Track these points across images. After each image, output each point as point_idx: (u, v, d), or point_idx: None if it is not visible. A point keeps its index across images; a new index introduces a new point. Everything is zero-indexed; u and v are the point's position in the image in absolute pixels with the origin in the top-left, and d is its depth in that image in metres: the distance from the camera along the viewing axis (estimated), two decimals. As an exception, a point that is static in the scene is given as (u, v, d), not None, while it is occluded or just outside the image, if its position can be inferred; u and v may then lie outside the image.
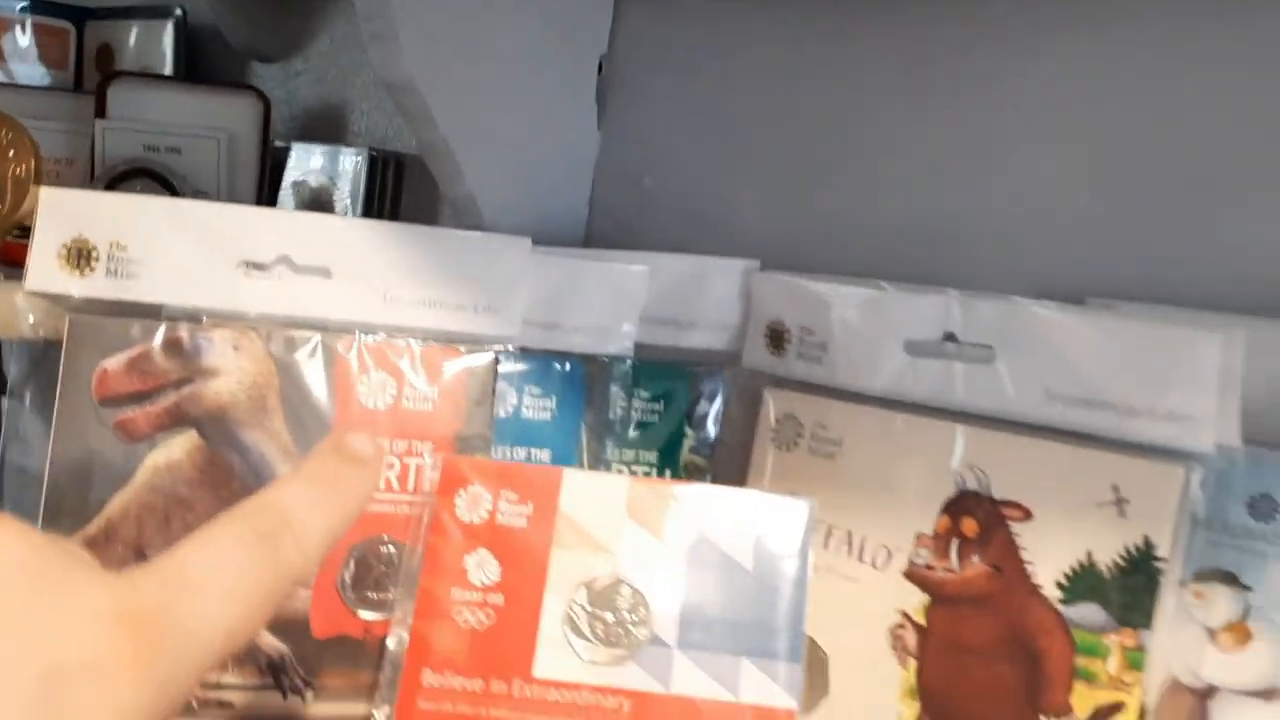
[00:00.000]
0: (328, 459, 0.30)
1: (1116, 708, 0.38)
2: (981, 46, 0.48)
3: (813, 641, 0.46)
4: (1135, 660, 0.38)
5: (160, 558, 0.24)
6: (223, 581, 0.24)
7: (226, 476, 0.46)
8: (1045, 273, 0.45)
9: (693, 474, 0.52)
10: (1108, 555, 0.38)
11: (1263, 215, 0.40)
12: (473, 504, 0.44)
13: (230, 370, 0.46)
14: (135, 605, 0.22)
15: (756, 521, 0.43)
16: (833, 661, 0.45)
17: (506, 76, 0.48)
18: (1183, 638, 0.38)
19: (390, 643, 0.43)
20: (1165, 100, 0.43)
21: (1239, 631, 0.37)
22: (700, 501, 0.43)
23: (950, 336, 0.43)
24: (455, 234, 0.48)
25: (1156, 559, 0.38)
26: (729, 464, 0.50)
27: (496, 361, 0.49)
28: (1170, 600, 0.38)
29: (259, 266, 0.46)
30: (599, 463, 0.51)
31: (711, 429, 0.52)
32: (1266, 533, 0.36)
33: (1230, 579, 0.37)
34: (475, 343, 0.48)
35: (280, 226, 0.46)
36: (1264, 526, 0.37)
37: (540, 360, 0.50)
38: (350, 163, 0.63)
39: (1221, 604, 0.37)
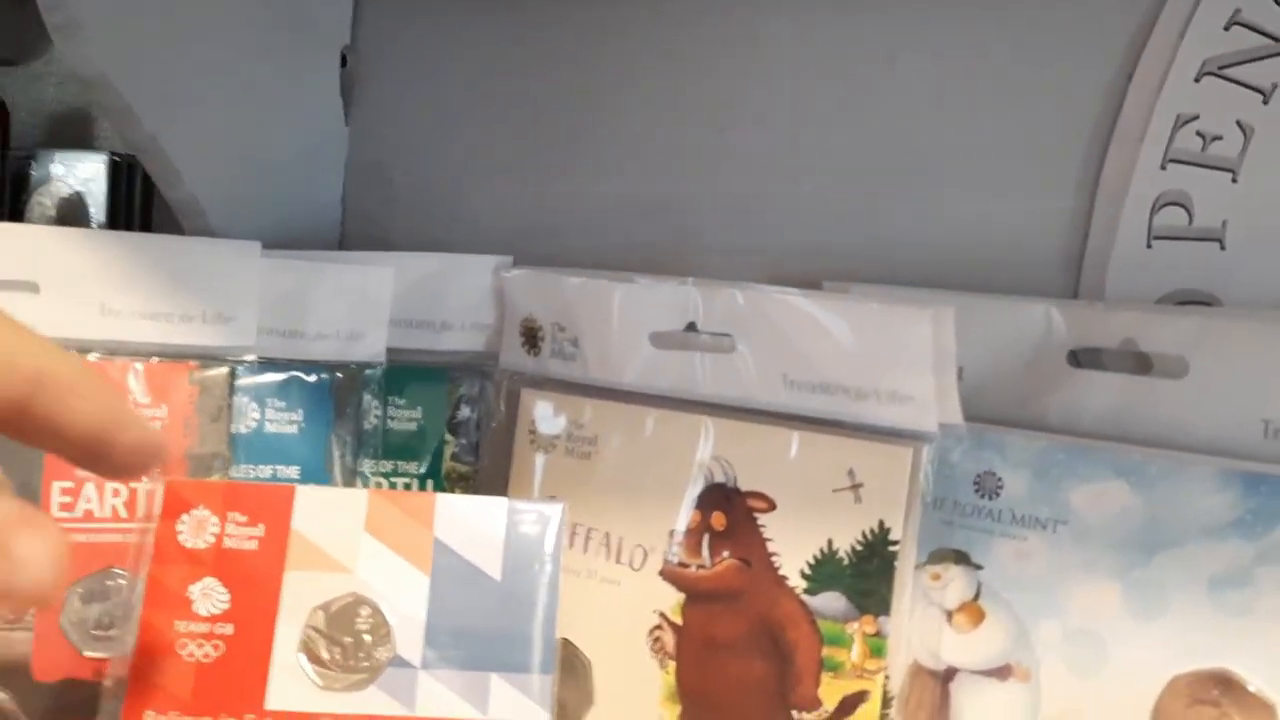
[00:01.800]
0: None
1: (861, 696, 0.38)
2: (711, 33, 0.48)
3: (575, 648, 0.44)
4: (876, 647, 0.37)
5: None
6: None
7: (-77, 515, 0.42)
8: (784, 258, 0.45)
9: (456, 482, 0.50)
10: (846, 541, 0.38)
11: (989, 191, 0.40)
12: (197, 528, 0.41)
13: (-77, 399, 0.42)
14: None
15: (505, 529, 0.41)
16: (596, 668, 0.44)
17: (224, 69, 0.45)
18: (923, 619, 0.37)
19: (108, 683, 0.40)
20: (894, 82, 0.43)
21: (973, 611, 0.37)
22: (444, 511, 0.41)
23: (692, 326, 0.42)
24: (175, 240, 0.45)
25: (891, 543, 0.37)
26: (494, 470, 0.49)
27: (232, 375, 0.46)
28: (908, 584, 0.37)
29: (-47, 284, 0.42)
30: (354, 476, 0.49)
31: (474, 434, 0.50)
32: (992, 510, 0.36)
33: (963, 558, 0.37)
34: (207, 355, 0.45)
35: (-27, 239, 0.43)
36: (989, 504, 0.36)
37: (283, 370, 0.47)
38: (91, 169, 0.59)
39: (956, 584, 0.37)
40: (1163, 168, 0.37)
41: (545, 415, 0.46)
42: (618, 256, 0.48)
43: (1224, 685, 0.32)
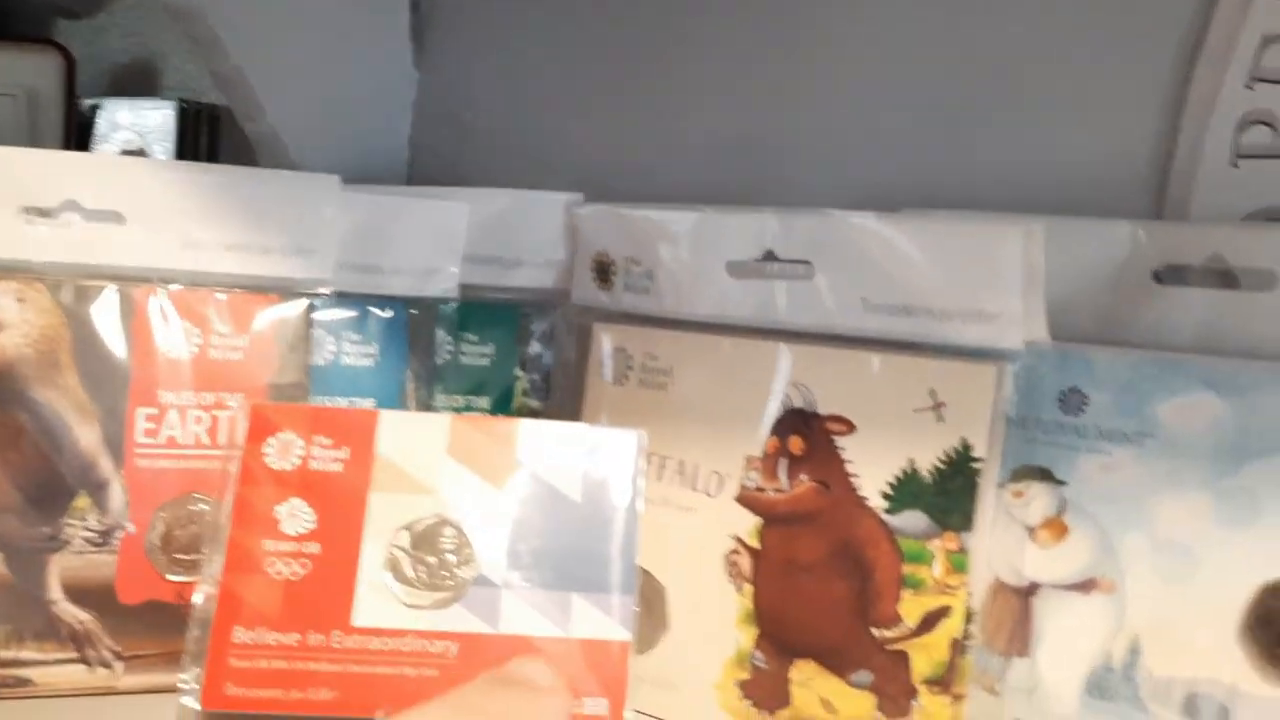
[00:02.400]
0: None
1: (943, 612, 0.38)
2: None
3: (649, 575, 0.45)
4: (959, 563, 0.38)
5: None
6: None
7: (16, 437, 0.43)
8: (865, 189, 0.45)
9: (527, 417, 0.51)
10: (928, 461, 0.38)
11: (1072, 114, 0.40)
12: (283, 451, 0.41)
13: (14, 324, 0.43)
14: None
15: (584, 454, 0.41)
16: (671, 593, 0.44)
17: (305, 7, 0.45)
18: (1004, 537, 0.38)
19: (197, 599, 0.41)
20: (975, 5, 0.43)
21: (1056, 527, 0.37)
22: (525, 436, 0.41)
23: (770, 255, 0.42)
24: (257, 173, 0.45)
25: (974, 460, 0.38)
26: (565, 405, 0.49)
27: (311, 308, 0.46)
28: (990, 501, 0.37)
29: (43, 213, 0.43)
30: (427, 411, 0.49)
31: (545, 370, 0.50)
32: (1077, 426, 0.37)
33: (1046, 475, 0.37)
34: (286, 288, 0.46)
35: (64, 168, 0.43)
36: (1074, 420, 0.37)
37: (360, 305, 0.48)
38: (159, 117, 0.60)
39: (1039, 501, 0.37)
40: (1249, 86, 0.37)
41: (618, 348, 0.47)
42: (692, 193, 0.48)
43: (1316, 590, 0.32)
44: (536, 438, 0.42)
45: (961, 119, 0.43)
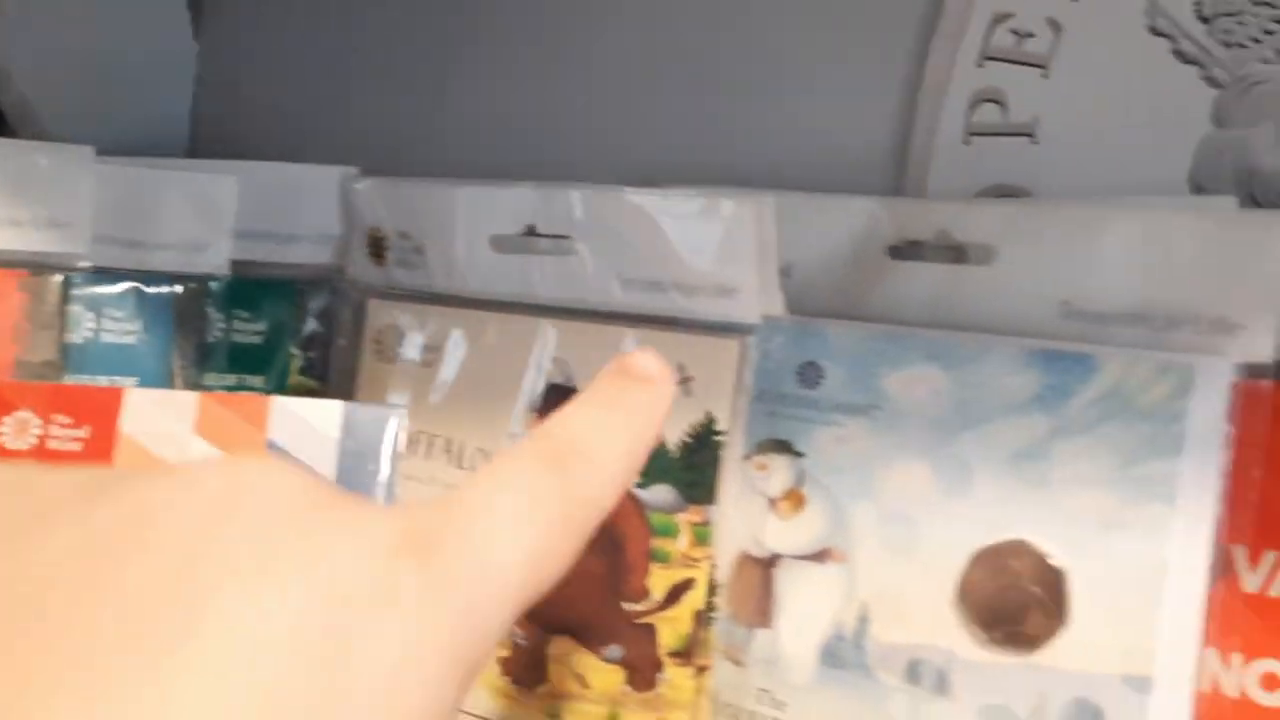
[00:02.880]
0: (615, 379, 0.26)
1: (688, 584, 0.38)
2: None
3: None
4: (703, 535, 0.38)
5: (436, 497, 0.20)
6: (515, 507, 0.20)
7: None
8: (627, 165, 0.45)
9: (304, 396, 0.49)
10: (676, 435, 0.39)
11: (819, 93, 0.41)
12: (19, 430, 0.40)
13: None
14: (417, 531, 0.19)
15: (340, 432, 0.40)
16: (439, 573, 0.44)
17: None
18: (748, 509, 0.38)
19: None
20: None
21: (795, 498, 0.38)
22: (277, 415, 0.40)
23: (531, 230, 0.42)
24: (3, 143, 0.44)
25: (717, 434, 0.38)
26: (342, 383, 0.48)
27: (68, 283, 0.45)
28: (734, 474, 0.38)
29: None
30: (197, 390, 0.48)
31: (322, 348, 0.49)
32: (814, 399, 0.37)
33: (786, 447, 0.38)
34: (39, 262, 0.44)
35: None
36: (811, 393, 0.37)
37: (122, 280, 0.46)
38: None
39: (780, 473, 0.38)
40: (979, 65, 0.38)
41: (390, 324, 0.46)
42: (466, 168, 0.48)
43: (1021, 555, 0.33)
44: (289, 416, 0.41)
45: (720, 96, 0.43)
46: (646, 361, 0.26)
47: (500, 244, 0.43)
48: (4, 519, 0.18)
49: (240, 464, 0.19)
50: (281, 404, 0.41)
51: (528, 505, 0.21)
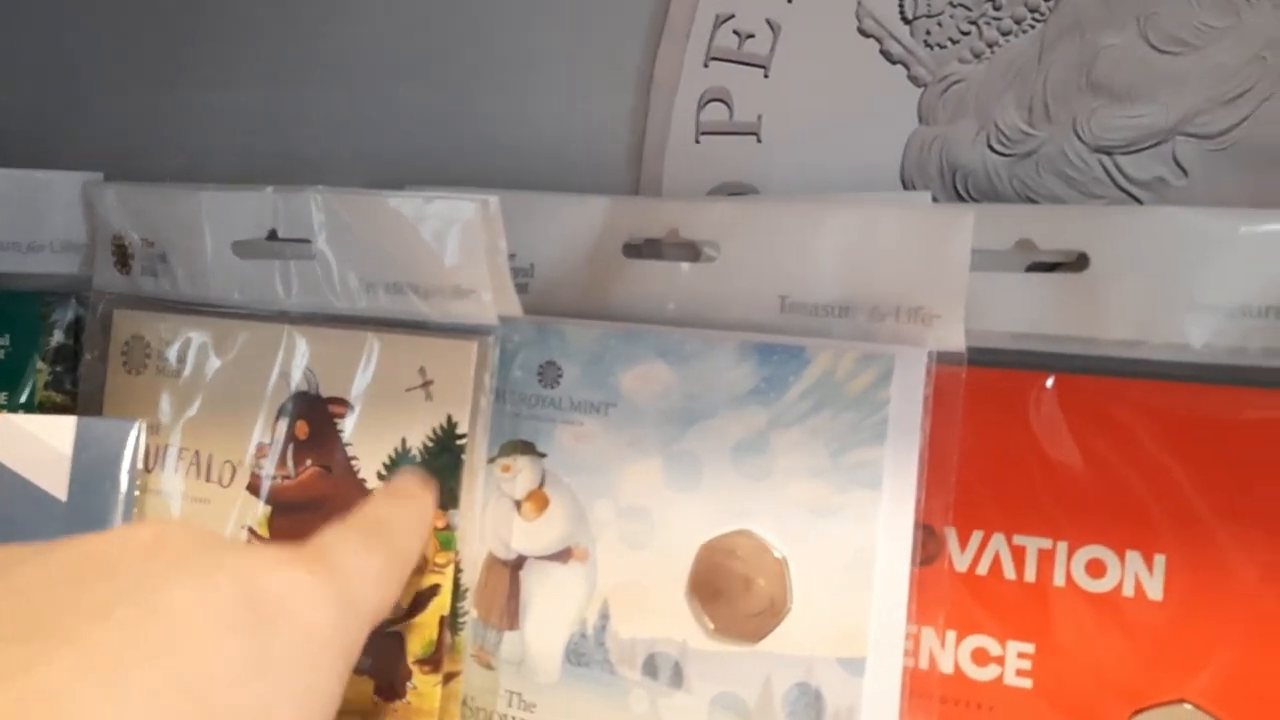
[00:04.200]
0: (390, 494, 0.34)
1: (433, 591, 0.38)
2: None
3: (169, 572, 0.43)
4: (446, 541, 0.38)
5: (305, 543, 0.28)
6: (363, 559, 0.29)
7: None
8: (378, 165, 0.44)
9: (52, 412, 0.47)
10: (418, 439, 0.38)
11: (559, 93, 0.41)
12: None
13: None
14: (298, 552, 0.27)
15: (72, 448, 0.39)
16: (193, 590, 0.42)
17: None
18: (495, 512, 0.38)
19: None
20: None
21: (538, 499, 0.38)
22: (4, 431, 0.38)
23: (273, 234, 0.41)
24: None
25: (459, 437, 0.38)
26: (91, 397, 0.46)
27: None
28: (478, 477, 0.38)
29: None
30: (-69, 409, 0.45)
31: (70, 361, 0.47)
32: (554, 398, 0.37)
33: (529, 448, 0.38)
34: None
35: None
36: (551, 393, 0.37)
37: None
38: None
39: (524, 474, 0.38)
40: (705, 65, 0.39)
41: (136, 335, 0.44)
42: (217, 171, 0.47)
43: (745, 545, 0.34)
44: (17, 433, 0.39)
45: (463, 96, 0.43)
46: (409, 481, 0.34)
47: (243, 249, 0.41)
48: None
49: (165, 523, 0.26)
50: (9, 421, 0.39)
51: (370, 558, 0.29)
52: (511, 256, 0.39)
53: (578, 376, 0.37)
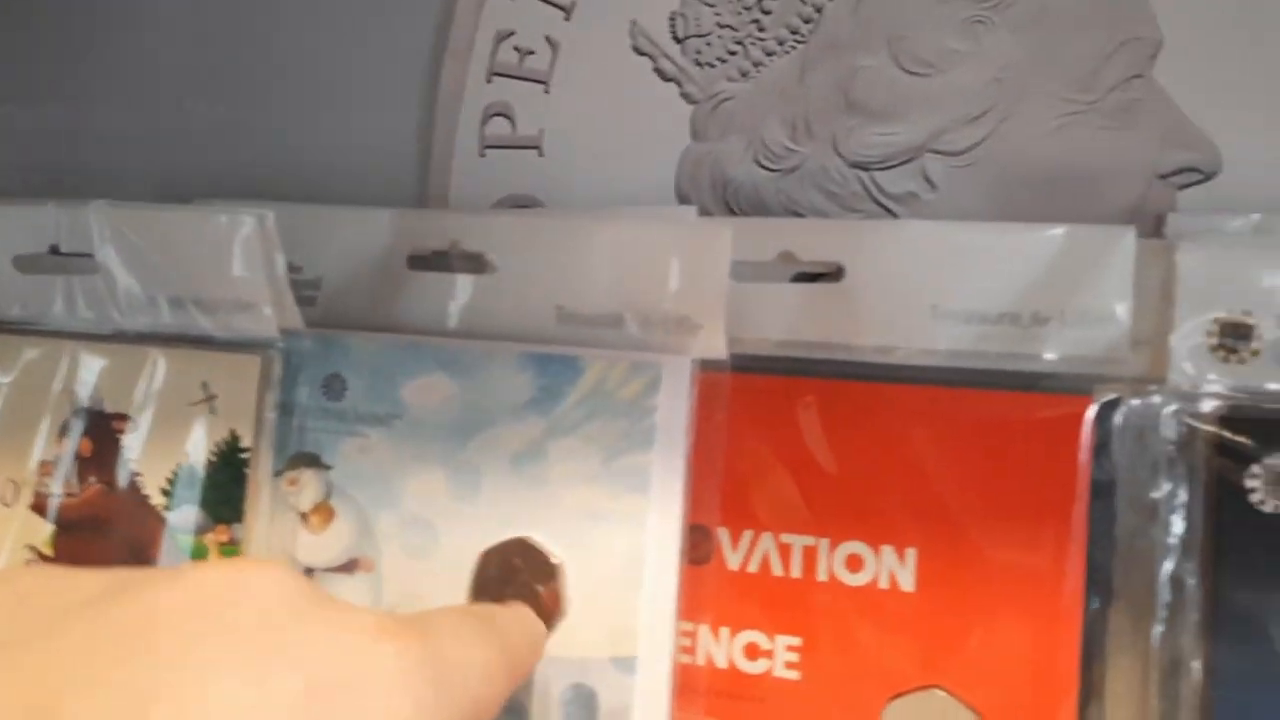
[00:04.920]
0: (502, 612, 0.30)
1: (217, 606, 0.38)
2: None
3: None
4: (230, 554, 0.38)
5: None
6: (467, 639, 0.25)
7: None
8: (165, 181, 0.44)
9: None
10: (201, 455, 0.38)
11: (347, 108, 0.41)
12: None
13: None
14: (396, 626, 0.22)
15: None
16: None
17: None
18: (281, 526, 0.38)
19: None
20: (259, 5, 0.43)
21: (324, 511, 0.38)
22: None
23: (55, 249, 0.40)
24: None
25: (242, 451, 0.38)
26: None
27: None
28: (264, 491, 0.38)
29: None
30: None
31: None
32: (339, 411, 0.37)
33: (315, 461, 0.38)
34: None
35: None
36: (336, 405, 0.37)
37: None
38: None
39: (310, 487, 0.38)
40: (489, 80, 0.39)
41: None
42: (2, 186, 0.45)
43: (523, 553, 0.35)
44: None
45: (255, 110, 0.43)
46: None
47: (24, 264, 0.41)
48: (42, 613, 0.20)
49: (239, 566, 0.22)
50: None
51: (475, 636, 0.25)
52: (298, 270, 0.39)
53: (362, 389, 0.37)
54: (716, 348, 0.33)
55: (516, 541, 0.35)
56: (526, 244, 0.36)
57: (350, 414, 0.37)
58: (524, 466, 0.35)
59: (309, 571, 0.38)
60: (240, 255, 0.36)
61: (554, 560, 0.34)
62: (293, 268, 0.39)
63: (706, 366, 0.34)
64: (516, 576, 0.35)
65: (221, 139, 0.42)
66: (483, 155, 0.39)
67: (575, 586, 0.34)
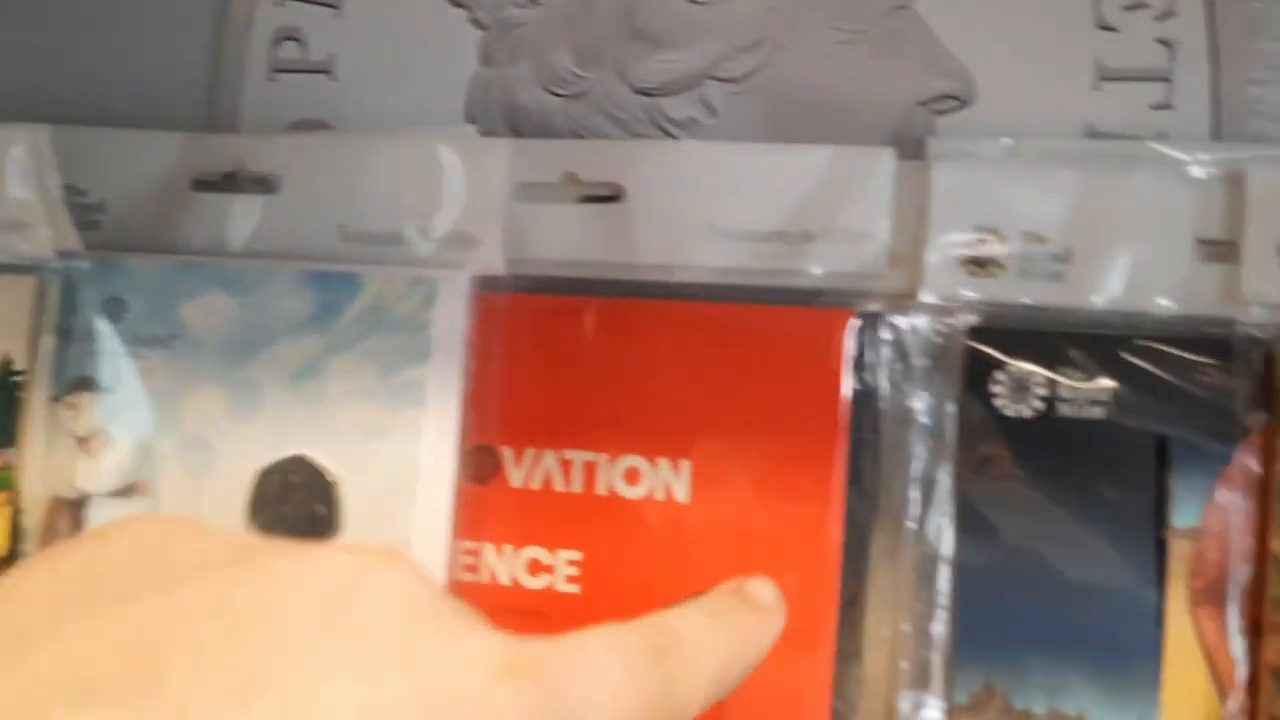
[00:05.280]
0: (728, 599, 0.27)
1: (-10, 533, 0.37)
2: None
3: None
4: (5, 480, 0.37)
5: (547, 639, 0.21)
6: (610, 675, 0.21)
7: None
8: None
9: None
10: (-27, 379, 0.37)
11: (133, 28, 0.40)
12: None
13: None
14: (522, 662, 0.20)
15: None
16: None
17: None
18: (59, 451, 0.37)
19: None
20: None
21: (102, 436, 0.37)
22: None
23: None
24: None
25: (15, 374, 0.37)
26: None
27: None
28: (40, 415, 0.37)
29: None
30: None
31: None
32: (119, 333, 0.37)
33: (93, 385, 0.37)
34: None
35: None
36: (117, 328, 0.37)
37: None
38: None
39: (88, 412, 0.37)
40: (278, 3, 0.39)
41: None
42: None
43: (301, 470, 0.35)
44: None
45: (48, 33, 0.41)
46: (764, 591, 0.28)
47: None
48: (162, 568, 0.19)
49: (366, 556, 0.20)
50: None
51: (622, 672, 0.22)
52: (83, 192, 0.38)
53: (142, 311, 0.36)
54: (494, 263, 0.34)
55: (294, 459, 0.35)
56: (310, 164, 0.36)
57: (130, 336, 0.37)
58: (303, 384, 0.35)
59: (86, 497, 0.37)
60: (12, 174, 0.35)
61: (329, 477, 0.34)
62: (76, 190, 0.38)
63: (487, 285, 0.34)
64: (294, 495, 0.35)
65: (16, 60, 0.41)
66: (272, 79, 0.39)
67: (352, 503, 0.34)
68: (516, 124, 0.37)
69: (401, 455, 0.34)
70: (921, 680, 0.34)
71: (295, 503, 0.34)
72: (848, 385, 0.34)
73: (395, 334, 0.34)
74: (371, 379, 0.34)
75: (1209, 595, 0.32)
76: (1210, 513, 0.32)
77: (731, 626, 0.27)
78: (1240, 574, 0.31)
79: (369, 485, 0.34)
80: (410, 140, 0.34)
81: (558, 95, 0.37)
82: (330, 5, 0.38)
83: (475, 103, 0.38)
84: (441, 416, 0.34)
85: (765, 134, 0.36)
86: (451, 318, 0.34)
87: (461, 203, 0.34)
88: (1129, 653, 0.32)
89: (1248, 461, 0.31)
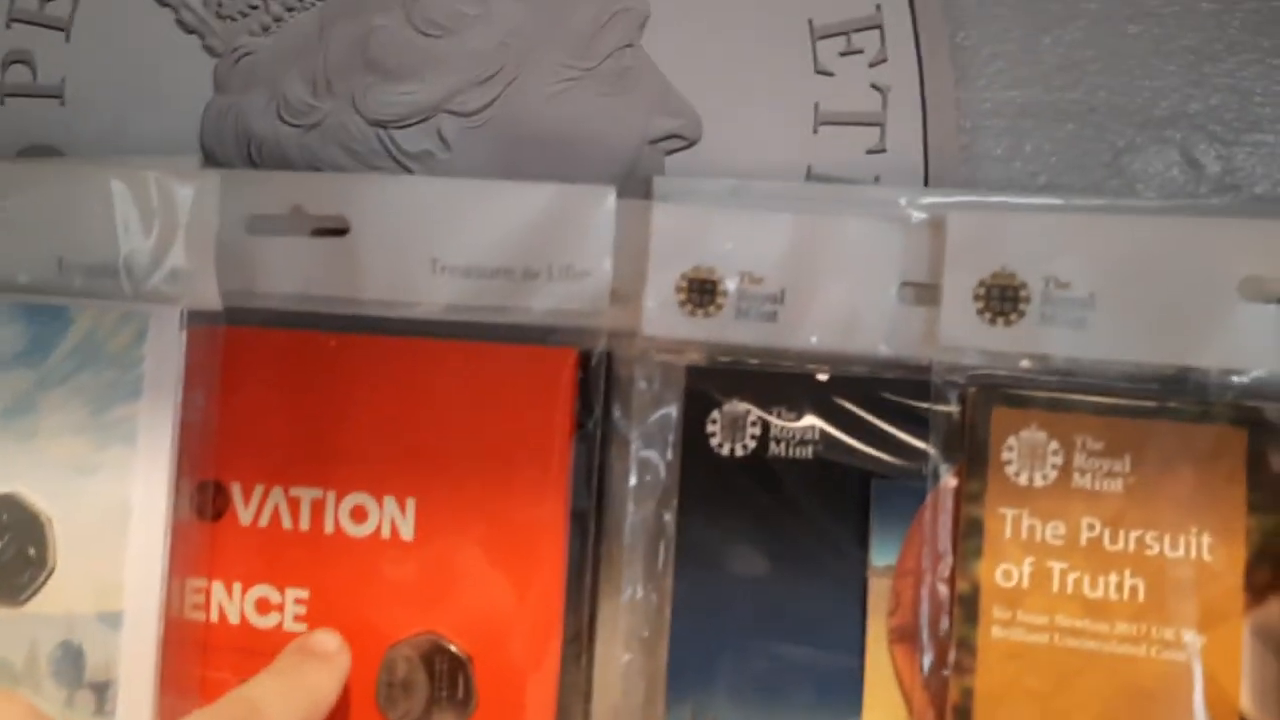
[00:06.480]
0: (295, 656, 0.33)
1: None
2: None
3: None
4: None
5: None
6: None
7: None
8: None
9: None
10: None
11: None
12: None
13: None
14: None
15: None
16: None
17: None
18: None
19: None
20: None
21: None
22: None
23: None
24: None
25: None
26: None
27: None
28: None
29: None
30: None
31: None
32: None
33: None
34: None
35: None
36: None
37: None
38: None
39: None
40: (8, 26, 0.38)
41: None
42: None
43: (10, 509, 0.34)
44: None
45: None
46: (326, 641, 0.33)
47: None
48: None
49: None
50: None
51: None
52: None
53: None
54: (209, 298, 0.33)
55: (6, 497, 0.34)
56: (27, 193, 0.35)
57: None
58: (13, 420, 0.34)
59: None
60: None
61: (42, 516, 0.33)
62: None
63: (205, 319, 0.34)
64: (3, 534, 0.34)
65: None
66: (2, 103, 0.38)
67: (63, 541, 0.33)
68: (252, 153, 0.37)
69: (113, 493, 0.33)
70: (647, 713, 0.35)
71: (4, 542, 0.33)
72: (570, 423, 0.35)
73: (108, 369, 0.33)
74: (83, 415, 0.33)
75: (903, 633, 0.33)
76: (906, 552, 0.33)
77: (303, 678, 0.32)
78: (930, 612, 0.32)
79: (80, 523, 0.33)
80: (124, 169, 0.33)
81: (292, 125, 0.37)
82: (60, 29, 0.37)
83: (210, 131, 0.37)
84: (154, 453, 0.33)
85: (500, 168, 0.36)
86: (164, 353, 0.33)
87: (175, 234, 0.33)
88: (832, 687, 0.33)
89: (941, 502, 0.32)
